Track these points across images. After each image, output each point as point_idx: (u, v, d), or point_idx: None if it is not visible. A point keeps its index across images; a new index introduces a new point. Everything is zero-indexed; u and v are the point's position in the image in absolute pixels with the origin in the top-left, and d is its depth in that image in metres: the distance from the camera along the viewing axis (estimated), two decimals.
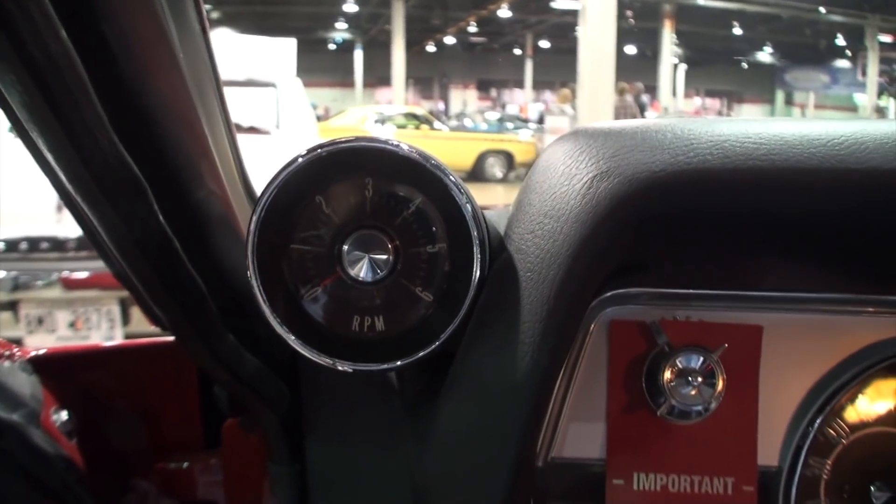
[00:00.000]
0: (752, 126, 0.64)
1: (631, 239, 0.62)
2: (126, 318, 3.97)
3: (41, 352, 1.05)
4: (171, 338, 1.06)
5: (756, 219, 0.62)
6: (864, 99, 28.15)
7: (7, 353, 1.01)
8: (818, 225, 0.63)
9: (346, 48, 38.58)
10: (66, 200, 0.74)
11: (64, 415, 0.94)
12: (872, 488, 0.72)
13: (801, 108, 36.57)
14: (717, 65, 41.82)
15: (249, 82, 6.49)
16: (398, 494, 0.69)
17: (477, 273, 0.61)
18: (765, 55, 39.71)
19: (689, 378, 0.67)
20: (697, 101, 41.93)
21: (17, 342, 1.30)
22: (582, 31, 13.40)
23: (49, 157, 0.52)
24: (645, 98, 18.85)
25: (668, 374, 0.68)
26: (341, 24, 35.99)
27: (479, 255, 0.61)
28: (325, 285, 0.62)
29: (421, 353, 0.61)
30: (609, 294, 0.70)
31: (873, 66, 27.48)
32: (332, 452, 0.84)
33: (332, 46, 40.04)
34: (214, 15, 30.84)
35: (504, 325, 0.60)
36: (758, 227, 0.63)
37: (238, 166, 0.82)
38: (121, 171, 0.54)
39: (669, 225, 0.63)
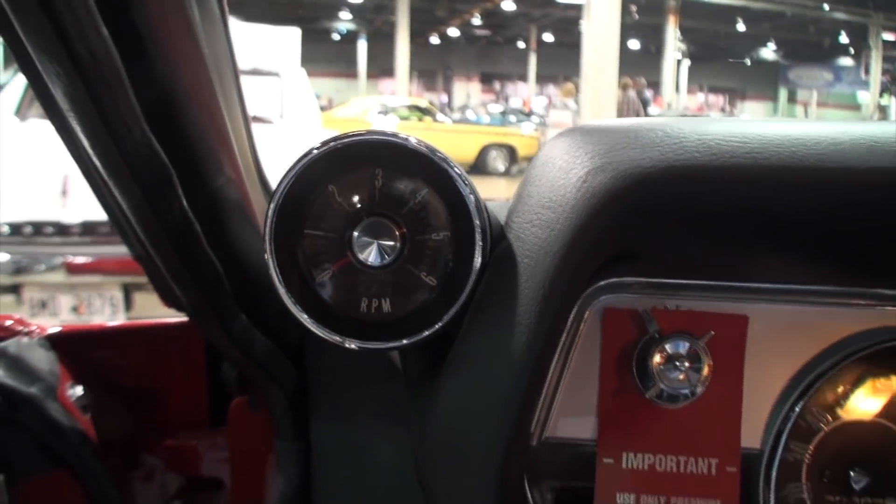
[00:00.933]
0: (737, 126, 0.67)
1: (623, 229, 0.66)
2: (129, 304, 4.00)
3: (58, 329, 1.09)
4: (180, 319, 1.09)
5: (740, 213, 0.66)
6: (868, 97, 28.13)
7: (26, 329, 1.05)
8: (799, 220, 0.67)
9: (350, 39, 38.52)
10: (93, 185, 0.78)
11: (79, 390, 0.98)
12: (852, 473, 0.76)
13: (804, 106, 36.51)
14: (721, 61, 41.79)
15: (254, 71, 6.51)
16: (400, 470, 0.73)
17: (478, 260, 0.64)
18: (768, 52, 39.68)
19: (677, 363, 0.71)
20: (700, 97, 41.89)
21: None
22: (585, 26, 13.41)
23: (86, 143, 0.56)
24: (648, 94, 18.86)
25: (657, 360, 0.71)
26: (346, 15, 35.90)
27: (480, 244, 0.64)
28: (336, 269, 0.66)
29: (425, 334, 0.65)
30: (603, 283, 0.73)
31: (876, 65, 27.47)
32: (336, 430, 0.88)
33: (336, 37, 39.98)
34: None
35: (502, 309, 0.64)
36: (742, 221, 0.67)
37: (253, 155, 0.86)
38: (151, 159, 0.58)
39: (659, 217, 0.66)
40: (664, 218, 0.66)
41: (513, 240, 0.66)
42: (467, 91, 40.25)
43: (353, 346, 0.65)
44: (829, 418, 0.77)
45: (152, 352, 1.16)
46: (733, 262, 0.73)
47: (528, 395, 0.65)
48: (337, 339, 0.65)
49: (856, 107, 32.93)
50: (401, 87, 27.00)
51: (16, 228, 3.94)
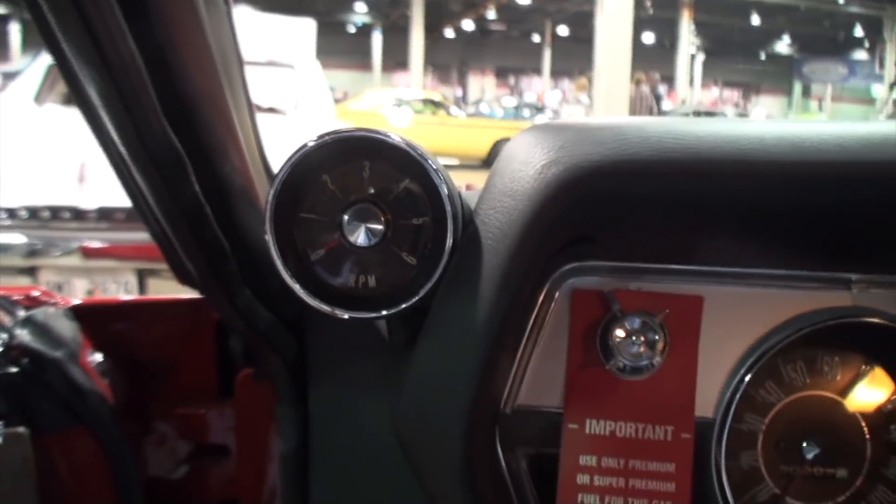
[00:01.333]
0: (677, 125, 0.76)
1: (575, 216, 0.74)
2: (142, 289, 4.08)
3: (80, 302, 1.18)
4: (193, 297, 1.18)
5: (678, 202, 0.75)
6: (882, 91, 27.98)
7: (52, 301, 1.14)
8: (730, 207, 0.75)
9: (365, 31, 38.50)
10: (118, 171, 0.87)
11: (98, 357, 1.08)
12: (804, 444, 0.83)
13: (819, 101, 36.32)
14: (735, 56, 41.48)
15: (269, 63, 6.57)
16: (389, 433, 0.81)
17: (450, 242, 0.73)
18: (783, 46, 39.47)
19: (634, 338, 0.79)
20: (715, 92, 41.71)
21: None
22: (599, 20, 13.40)
23: (114, 134, 0.65)
24: (662, 89, 18.80)
25: (617, 335, 0.79)
26: (361, 7, 35.95)
27: (451, 227, 0.72)
28: (328, 248, 0.74)
29: (402, 306, 0.73)
30: (571, 266, 0.82)
31: (891, 58, 27.33)
32: (331, 397, 0.97)
33: (351, 29, 40.01)
34: None
35: (468, 284, 0.73)
36: (680, 209, 0.75)
37: (258, 145, 0.94)
38: (167, 148, 0.67)
39: (606, 205, 0.75)
40: (611, 206, 0.75)
41: (479, 224, 0.75)
42: (482, 85, 40.20)
43: (342, 315, 0.74)
44: (783, 394, 0.84)
45: (166, 326, 1.24)
46: (685, 246, 0.81)
47: (491, 360, 0.73)
48: (327, 308, 0.74)
49: (870, 101, 32.70)
50: (415, 81, 27.04)
51: (33, 212, 4.02)
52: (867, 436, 0.84)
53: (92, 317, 1.15)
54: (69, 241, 3.99)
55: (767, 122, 0.78)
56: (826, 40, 36.12)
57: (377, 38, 36.57)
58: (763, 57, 42.65)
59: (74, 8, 0.56)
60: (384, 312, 0.73)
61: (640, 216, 0.77)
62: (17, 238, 3.98)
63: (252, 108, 0.90)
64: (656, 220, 0.77)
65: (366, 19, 37.65)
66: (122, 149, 0.67)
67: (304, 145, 0.71)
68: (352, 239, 0.73)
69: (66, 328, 1.06)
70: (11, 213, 4.01)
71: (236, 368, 1.18)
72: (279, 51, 6.76)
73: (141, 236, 1.03)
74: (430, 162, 0.72)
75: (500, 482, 0.81)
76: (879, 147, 0.72)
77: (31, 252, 3.96)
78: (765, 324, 0.83)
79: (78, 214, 4.06)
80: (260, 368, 1.12)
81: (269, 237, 0.72)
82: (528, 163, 0.74)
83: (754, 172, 0.72)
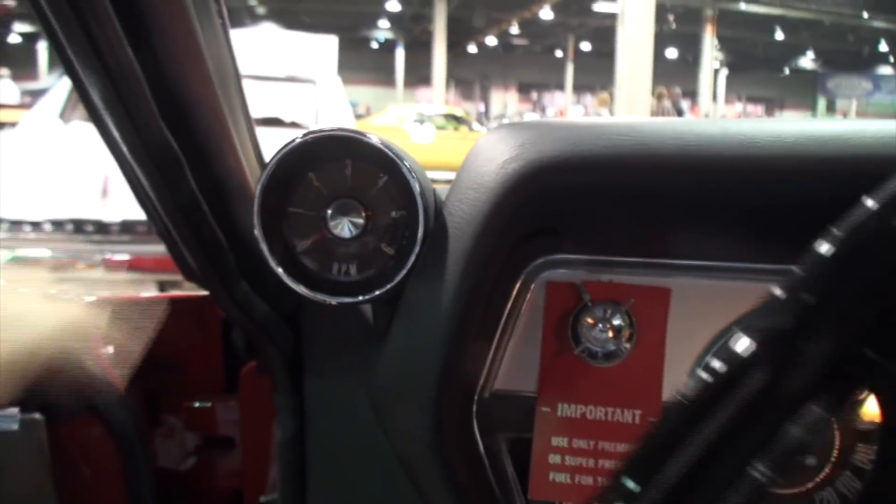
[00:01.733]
0: (635, 123, 0.81)
1: (535, 207, 0.80)
2: None
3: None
4: (201, 293, 1.25)
5: (633, 195, 0.80)
6: None
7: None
8: (684, 202, 0.80)
9: (388, 47, 38.75)
10: (127, 175, 0.94)
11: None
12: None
13: (843, 115, 36.12)
14: (759, 71, 41.31)
15: (290, 78, 6.68)
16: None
17: (421, 232, 0.79)
18: (807, 61, 39.26)
19: (602, 325, 0.84)
20: (738, 107, 41.54)
21: None
22: (620, 35, 13.42)
23: (117, 136, 0.72)
24: (684, 103, 18.73)
25: (586, 323, 0.85)
26: (384, 24, 36.20)
27: (422, 220, 0.79)
28: (314, 240, 0.81)
29: (377, 292, 0.80)
30: (545, 259, 0.87)
31: None
32: (324, 385, 1.03)
33: (374, 45, 40.30)
34: (261, 10, 31.23)
35: (436, 269, 0.79)
36: (637, 202, 0.81)
37: (254, 147, 1.01)
38: (165, 148, 0.74)
39: (566, 198, 0.80)
40: (569, 199, 0.81)
41: (447, 215, 0.81)
42: (504, 100, 40.19)
43: (325, 299, 0.80)
44: None
45: (175, 322, 1.31)
46: (652, 240, 0.86)
47: (457, 337, 0.79)
48: (308, 292, 0.80)
49: None
50: (437, 96, 27.15)
51: (58, 225, 4.11)
52: (835, 425, 0.86)
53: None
54: (92, 254, 4.08)
55: (725, 120, 0.83)
56: (850, 55, 35.90)
57: (400, 54, 36.80)
58: (787, 72, 42.45)
59: (76, 19, 0.62)
60: (361, 298, 0.80)
61: (601, 210, 0.82)
62: (43, 251, 4.07)
63: (248, 112, 0.97)
64: (618, 213, 0.83)
65: (389, 35, 37.91)
66: (125, 150, 0.74)
67: (290, 142, 0.78)
68: (335, 231, 0.80)
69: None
70: (37, 226, 4.12)
71: (241, 363, 1.24)
72: (301, 67, 6.87)
73: (162, 248, 1.09)
74: (404, 161, 0.78)
75: (477, 463, 0.86)
76: (823, 143, 0.76)
77: (57, 266, 4.06)
78: (731, 314, 0.85)
79: (101, 228, 4.16)
80: (261, 362, 1.18)
81: (257, 230, 0.79)
82: (491, 159, 0.81)
83: (696, 166, 0.77)
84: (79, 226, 4.15)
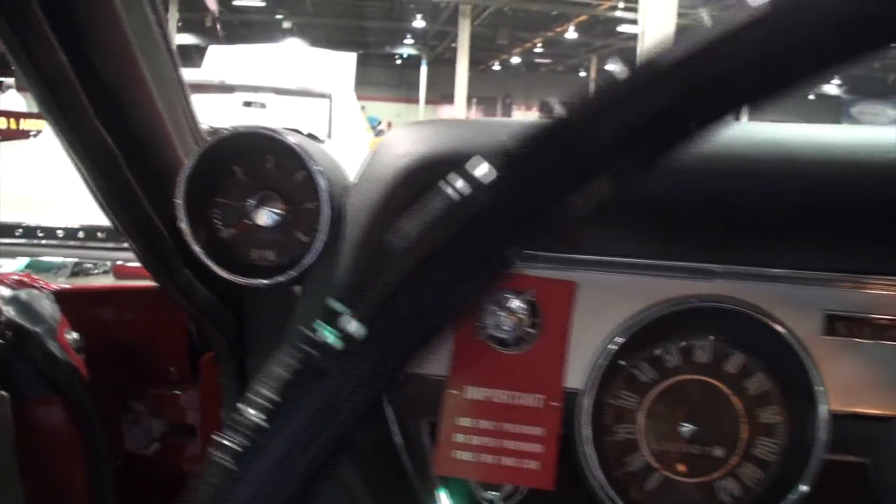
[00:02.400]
0: (529, 122, 0.88)
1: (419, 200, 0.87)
2: None
3: (63, 286, 1.34)
4: None
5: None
6: None
7: (37, 284, 1.30)
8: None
9: (412, 64, 38.94)
10: (77, 170, 1.03)
11: (75, 335, 1.23)
12: (682, 423, 0.90)
13: None
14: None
15: (303, 92, 6.76)
16: None
17: (325, 222, 0.87)
18: (831, 87, 38.97)
19: (505, 314, 0.90)
20: None
21: None
22: (640, 54, 13.45)
23: (58, 136, 0.80)
24: None
25: (490, 310, 0.91)
26: (409, 40, 36.36)
27: (327, 211, 0.87)
28: (237, 228, 0.90)
29: (288, 273, 0.88)
30: None
31: None
32: (265, 366, 1.10)
33: (398, 62, 40.46)
34: (286, 25, 31.46)
35: (335, 251, 0.87)
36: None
37: (195, 140, 1.08)
38: (101, 145, 0.82)
39: None
40: None
41: (348, 204, 0.89)
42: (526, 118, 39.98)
43: (242, 281, 0.88)
44: (659, 375, 0.92)
45: (142, 311, 1.39)
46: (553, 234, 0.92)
47: None
48: (227, 274, 0.88)
49: None
50: (458, 113, 27.16)
51: (70, 233, 4.19)
52: (741, 418, 0.90)
53: (72, 300, 1.30)
54: (104, 261, 4.15)
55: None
56: (875, 82, 35.51)
57: (423, 71, 36.96)
58: (811, 97, 42.09)
59: (10, 28, 0.71)
60: (272, 280, 0.88)
61: None
62: (57, 258, 4.15)
63: (192, 112, 1.05)
64: None
65: (412, 51, 38.05)
66: (66, 144, 0.82)
67: (214, 136, 0.87)
68: (257, 221, 0.89)
69: (47, 308, 1.22)
70: (49, 232, 4.20)
71: (202, 352, 1.32)
72: (317, 81, 6.94)
73: None
74: (313, 161, 0.86)
75: (387, 444, 0.92)
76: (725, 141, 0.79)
77: (71, 273, 4.14)
78: (634, 306, 0.91)
79: (112, 234, 4.23)
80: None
81: (180, 214, 0.87)
82: (388, 154, 0.88)
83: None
84: (90, 233, 4.21)
